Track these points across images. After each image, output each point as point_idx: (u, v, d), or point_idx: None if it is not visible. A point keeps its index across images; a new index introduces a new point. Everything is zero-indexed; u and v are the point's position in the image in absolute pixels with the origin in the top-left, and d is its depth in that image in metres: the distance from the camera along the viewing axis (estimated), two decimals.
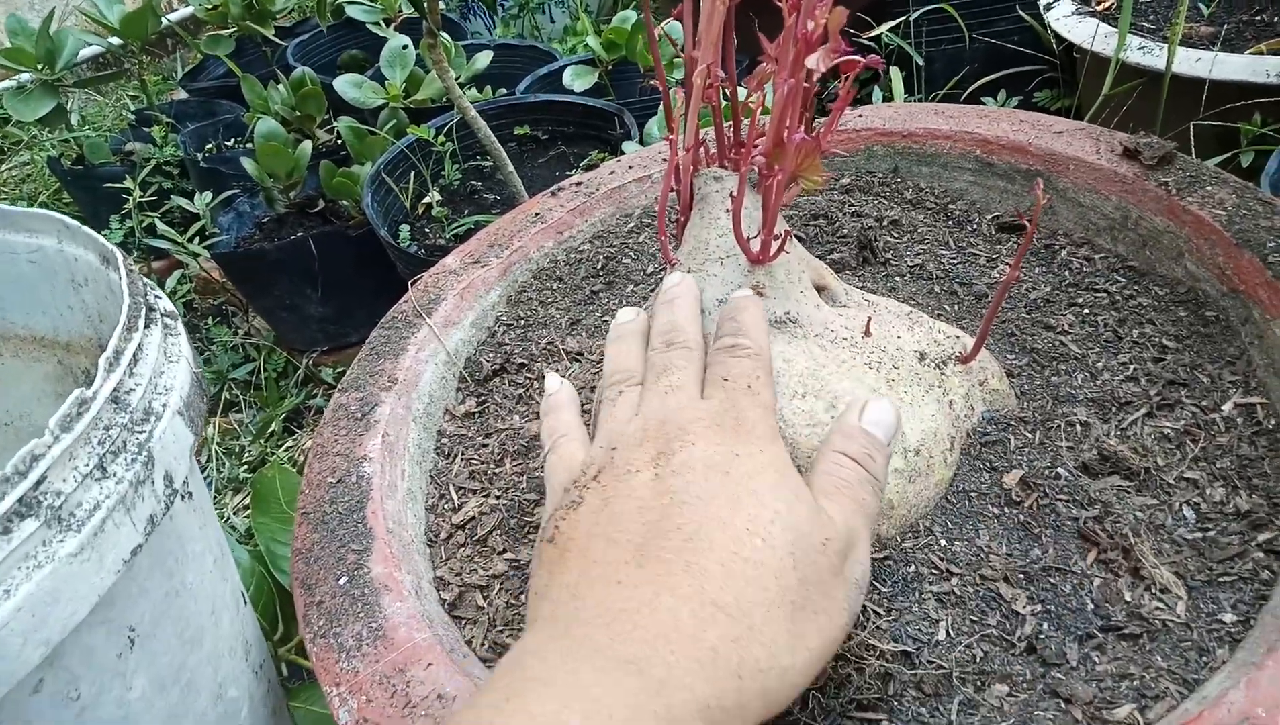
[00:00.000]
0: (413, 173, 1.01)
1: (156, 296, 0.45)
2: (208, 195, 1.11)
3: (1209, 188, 0.57)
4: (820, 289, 0.52)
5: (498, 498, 0.53)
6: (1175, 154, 0.59)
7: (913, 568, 0.44)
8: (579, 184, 0.73)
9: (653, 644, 0.30)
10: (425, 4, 0.82)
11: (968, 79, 1.22)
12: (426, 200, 0.98)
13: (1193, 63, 0.89)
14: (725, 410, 0.38)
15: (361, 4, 1.37)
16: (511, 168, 0.94)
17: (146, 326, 0.41)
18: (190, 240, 1.07)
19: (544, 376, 0.53)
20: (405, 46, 1.14)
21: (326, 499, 0.52)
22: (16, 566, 0.31)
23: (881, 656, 0.39)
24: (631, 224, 0.72)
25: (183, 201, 1.12)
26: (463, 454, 0.58)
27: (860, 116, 0.74)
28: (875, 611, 0.41)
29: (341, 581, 0.47)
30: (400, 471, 0.55)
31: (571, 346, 0.62)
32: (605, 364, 0.46)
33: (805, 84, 0.42)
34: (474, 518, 0.53)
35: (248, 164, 1.10)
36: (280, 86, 1.29)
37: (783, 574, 0.32)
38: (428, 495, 0.56)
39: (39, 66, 1.32)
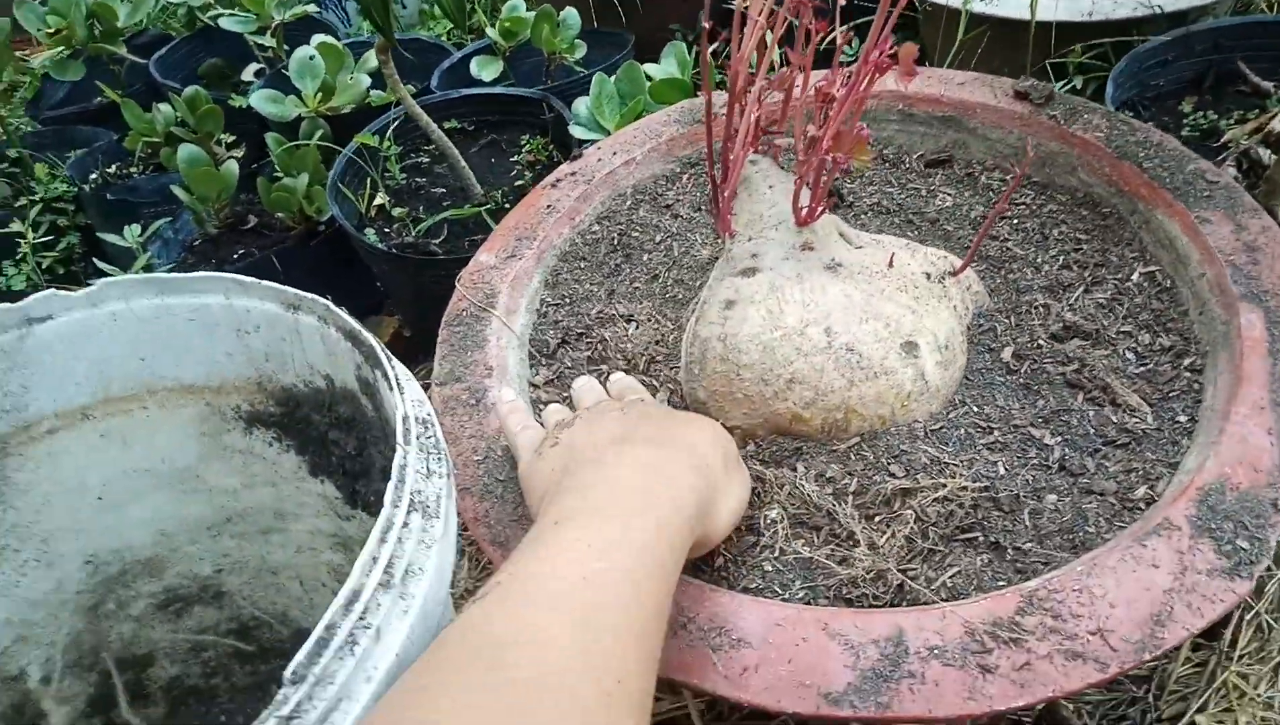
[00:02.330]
0: (365, 177, 1.06)
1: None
2: (136, 228, 1.10)
3: (1086, 116, 0.75)
4: (841, 236, 0.66)
5: None
6: (1055, 94, 0.77)
7: (962, 430, 0.59)
8: (574, 174, 0.84)
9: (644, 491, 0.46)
10: (382, 22, 0.88)
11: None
12: (378, 201, 1.04)
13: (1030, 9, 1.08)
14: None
15: (235, 15, 1.37)
16: (463, 162, 1.02)
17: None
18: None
19: (500, 391, 0.66)
20: (312, 57, 1.17)
21: (482, 473, 0.61)
22: (418, 549, 0.41)
23: (971, 492, 0.55)
24: (629, 202, 0.83)
25: (111, 237, 1.10)
26: None
27: None
28: (954, 465, 0.57)
29: None
30: None
31: (621, 311, 0.74)
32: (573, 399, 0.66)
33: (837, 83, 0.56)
34: None
35: (179, 191, 1.10)
36: (164, 106, 1.27)
37: (715, 455, 0.51)
38: None
39: None
